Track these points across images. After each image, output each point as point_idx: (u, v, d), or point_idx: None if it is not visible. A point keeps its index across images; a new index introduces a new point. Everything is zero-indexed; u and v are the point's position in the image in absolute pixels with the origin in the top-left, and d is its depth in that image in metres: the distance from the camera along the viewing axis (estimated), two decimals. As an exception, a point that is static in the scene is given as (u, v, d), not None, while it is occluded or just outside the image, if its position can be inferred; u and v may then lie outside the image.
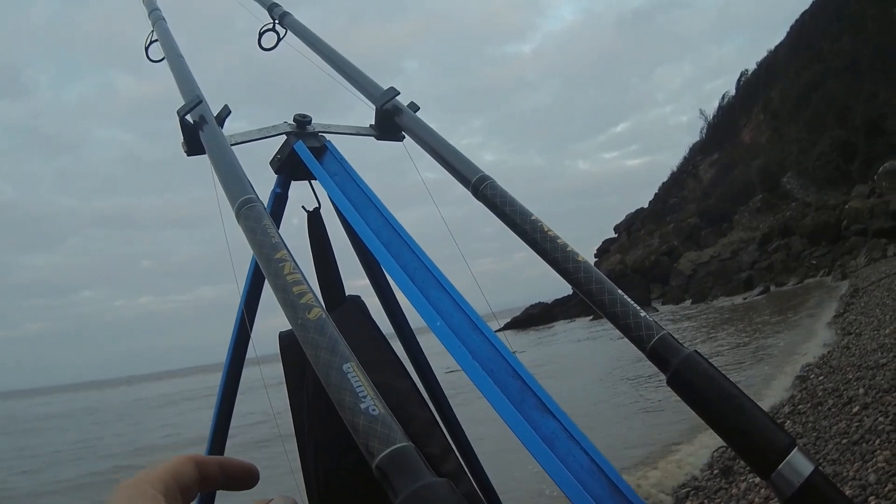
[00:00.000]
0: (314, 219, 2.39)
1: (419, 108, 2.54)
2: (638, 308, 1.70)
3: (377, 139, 2.56)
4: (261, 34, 3.12)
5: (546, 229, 2.02)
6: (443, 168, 2.30)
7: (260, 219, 1.48)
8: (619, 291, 1.76)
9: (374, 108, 2.51)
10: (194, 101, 2.10)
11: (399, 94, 2.50)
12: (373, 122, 2.56)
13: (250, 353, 2.45)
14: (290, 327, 1.32)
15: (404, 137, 2.52)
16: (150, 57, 2.89)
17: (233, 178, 1.67)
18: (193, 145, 2.09)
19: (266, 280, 1.36)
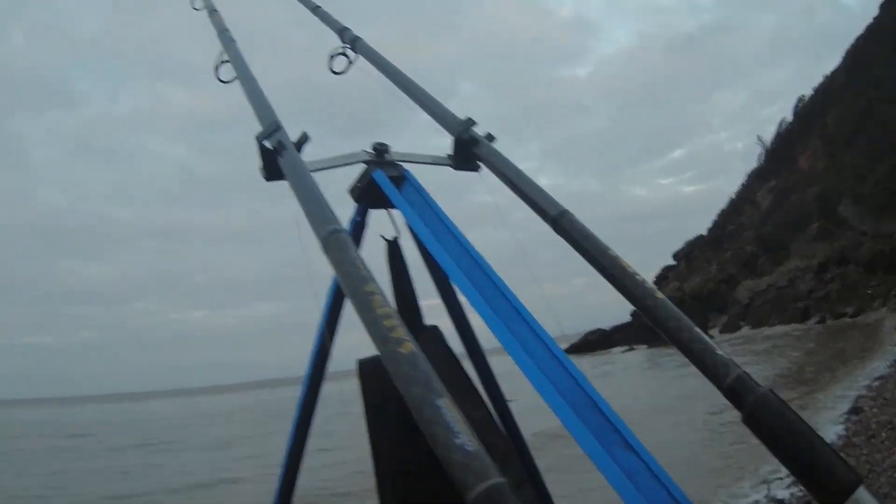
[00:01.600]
0: (393, 248, 2.41)
1: (495, 139, 2.54)
2: (714, 346, 1.73)
3: (454, 169, 2.56)
4: (331, 58, 3.14)
5: (624, 265, 2.03)
6: (521, 200, 2.31)
7: (348, 250, 1.48)
8: (697, 329, 1.79)
9: (452, 137, 2.52)
10: (273, 126, 2.10)
11: (476, 124, 2.50)
12: (449, 152, 2.56)
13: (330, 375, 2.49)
14: (369, 354, 1.32)
15: (480, 168, 2.52)
16: (221, 78, 2.90)
17: (317, 208, 1.67)
18: (272, 171, 2.10)
19: (355, 311, 1.37)
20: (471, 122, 2.50)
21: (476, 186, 2.47)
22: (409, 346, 1.23)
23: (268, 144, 2.10)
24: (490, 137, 2.53)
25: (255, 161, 2.12)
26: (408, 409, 2.06)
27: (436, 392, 1.16)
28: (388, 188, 2.29)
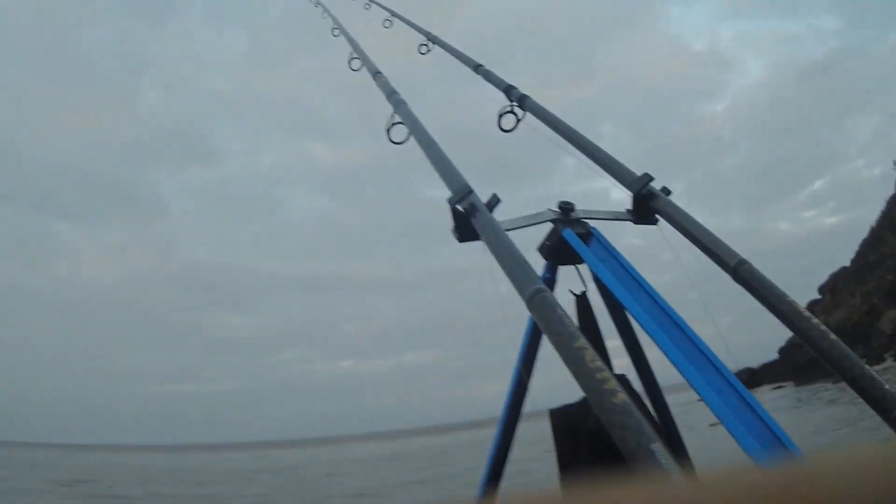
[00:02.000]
0: (582, 302, 2.52)
1: (671, 192, 2.61)
2: (883, 381, 1.89)
3: (634, 223, 2.65)
4: (500, 116, 3.26)
5: (801, 310, 2.14)
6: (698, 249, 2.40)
7: (554, 308, 1.59)
8: (867, 367, 1.94)
9: (630, 193, 2.61)
10: (464, 190, 2.21)
11: (654, 179, 2.59)
12: (628, 207, 2.65)
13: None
14: (560, 405, 1.39)
15: (658, 221, 2.60)
16: (393, 139, 2.98)
17: (519, 267, 1.79)
18: (465, 232, 2.21)
19: (565, 365, 1.48)
20: (648, 178, 2.59)
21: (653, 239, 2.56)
22: (622, 396, 1.34)
23: (460, 208, 2.21)
24: (666, 191, 2.60)
25: (448, 222, 2.23)
26: (601, 457, 2.16)
27: (648, 437, 1.28)
28: (579, 246, 2.40)
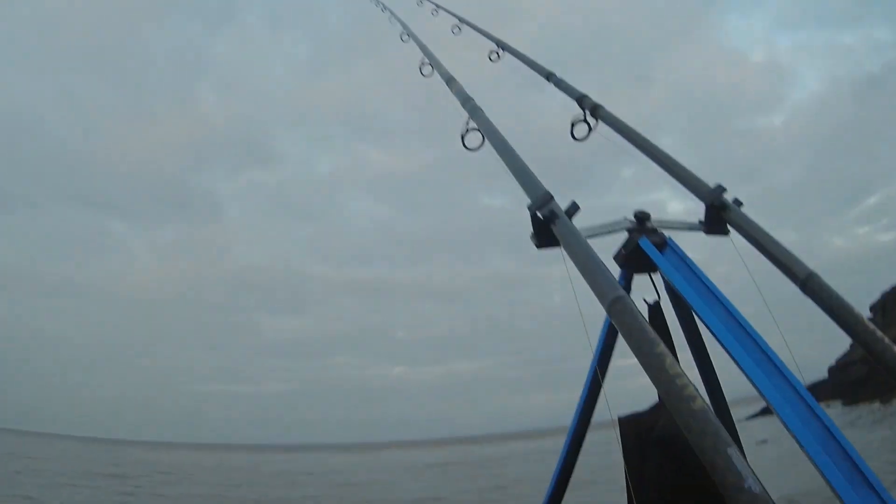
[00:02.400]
0: (655, 311, 2.57)
1: (742, 204, 2.65)
2: None
3: (706, 234, 2.69)
4: (573, 125, 3.31)
5: (870, 326, 2.16)
6: (769, 262, 2.44)
7: (635, 316, 1.65)
8: None
9: (703, 203, 2.66)
10: (545, 197, 2.25)
11: (726, 190, 2.63)
12: (701, 218, 2.69)
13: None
14: (626, 413, 1.45)
15: (729, 232, 2.64)
16: (467, 145, 3.02)
17: (600, 274, 1.84)
18: (544, 238, 2.25)
19: (646, 372, 1.54)
20: (721, 189, 2.63)
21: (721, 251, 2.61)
22: (700, 401, 1.40)
23: (539, 214, 2.25)
24: (738, 202, 2.64)
25: (526, 228, 2.29)
26: (670, 464, 2.22)
27: (726, 442, 1.32)
28: (655, 255, 2.45)
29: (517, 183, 2.41)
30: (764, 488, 1.25)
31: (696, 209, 2.69)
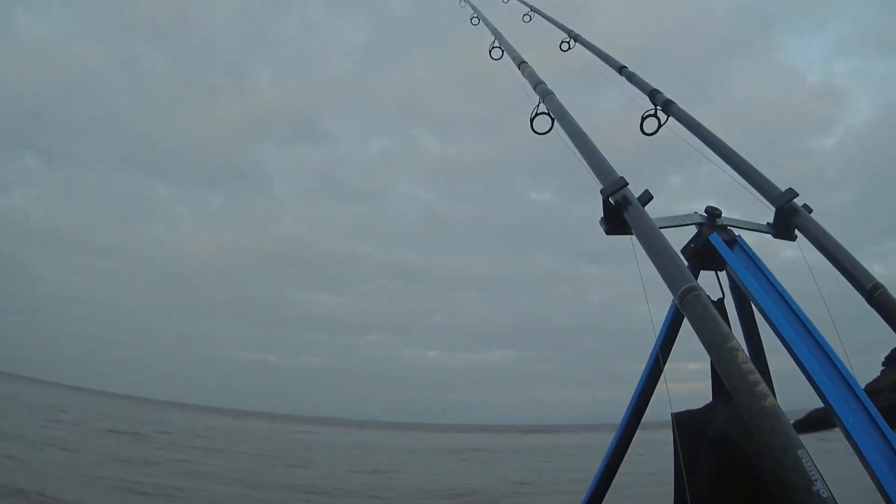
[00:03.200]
0: (718, 309, 2.54)
1: (812, 210, 2.62)
2: None
3: (774, 237, 2.66)
4: (643, 119, 3.29)
5: None
6: (836, 270, 2.41)
7: (707, 308, 1.63)
8: None
9: (773, 207, 2.63)
10: (619, 182, 2.23)
11: (797, 195, 2.60)
12: (769, 220, 2.67)
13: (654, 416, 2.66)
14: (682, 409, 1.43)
15: (797, 237, 2.61)
16: (536, 129, 3.03)
17: (672, 265, 1.83)
18: (614, 225, 2.24)
19: (716, 367, 1.52)
20: (793, 194, 2.60)
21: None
22: (772, 400, 1.37)
23: (612, 200, 2.24)
24: (808, 208, 2.61)
25: (597, 213, 2.28)
26: (723, 464, 2.20)
27: (796, 443, 1.30)
28: (725, 251, 2.43)
29: (587, 168, 2.39)
30: (832, 494, 1.23)
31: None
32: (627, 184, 2.23)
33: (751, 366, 1.45)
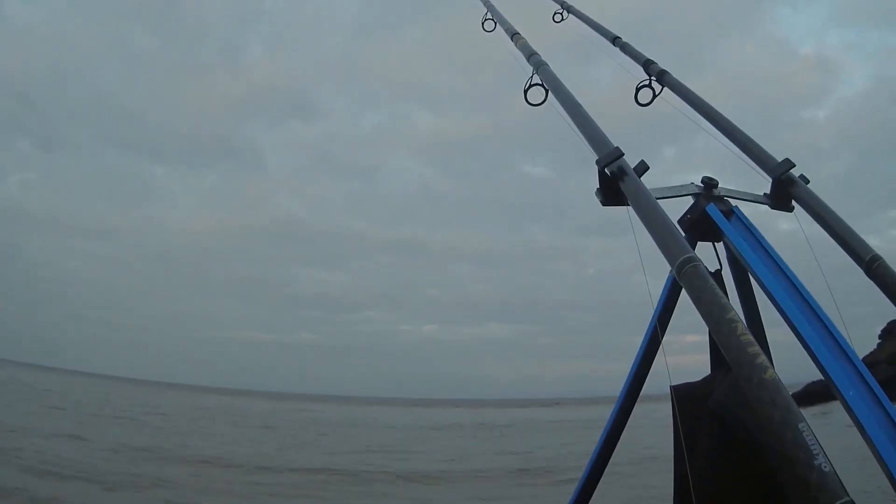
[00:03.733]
0: (716, 280, 2.52)
1: (809, 181, 2.59)
2: None
3: (771, 208, 2.64)
4: (637, 89, 3.26)
5: None
6: (834, 241, 2.39)
7: (705, 279, 1.60)
8: None
9: (770, 178, 2.61)
10: (615, 153, 2.21)
11: (794, 165, 2.57)
12: (766, 190, 2.64)
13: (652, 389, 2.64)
14: (679, 382, 1.40)
15: (794, 208, 2.59)
16: (530, 101, 3.03)
17: (669, 236, 1.80)
18: (610, 196, 2.22)
19: (715, 338, 1.49)
20: (790, 164, 2.57)
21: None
22: (772, 372, 1.34)
23: (608, 171, 2.21)
24: (805, 179, 2.58)
25: (593, 184, 2.25)
26: (722, 436, 2.18)
27: (797, 416, 1.26)
28: (722, 222, 2.39)
29: (582, 139, 2.37)
30: (834, 469, 1.20)
31: None
32: (623, 154, 2.20)
33: (750, 337, 1.41)
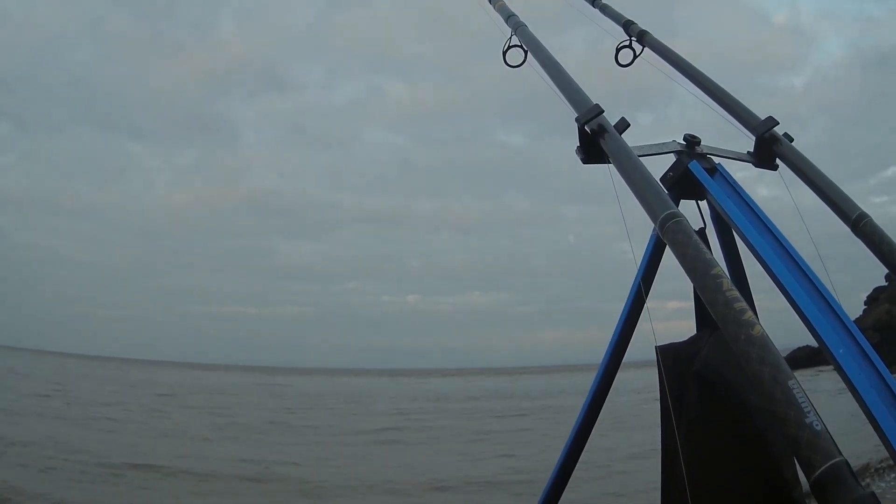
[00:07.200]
0: (701, 238, 2.47)
1: (793, 139, 2.55)
2: None
3: (755, 166, 2.59)
4: (617, 50, 3.20)
5: None
6: (819, 199, 2.34)
7: (689, 234, 1.54)
8: None
9: (753, 136, 2.56)
10: (595, 110, 2.14)
11: (778, 123, 2.52)
12: (750, 150, 2.59)
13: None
14: (665, 342, 1.36)
15: (778, 167, 2.54)
16: (509, 62, 3.02)
17: (652, 192, 1.74)
18: (591, 153, 2.16)
19: (700, 295, 1.44)
20: (773, 122, 2.52)
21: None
22: (759, 329, 1.28)
23: (587, 129, 2.15)
24: (789, 137, 2.54)
25: (573, 142, 2.19)
26: (710, 394, 2.13)
27: (786, 373, 1.20)
28: (706, 179, 2.34)
29: (562, 98, 2.32)
30: (826, 427, 1.14)
31: None
32: (603, 111, 2.14)
33: (736, 293, 1.36)
